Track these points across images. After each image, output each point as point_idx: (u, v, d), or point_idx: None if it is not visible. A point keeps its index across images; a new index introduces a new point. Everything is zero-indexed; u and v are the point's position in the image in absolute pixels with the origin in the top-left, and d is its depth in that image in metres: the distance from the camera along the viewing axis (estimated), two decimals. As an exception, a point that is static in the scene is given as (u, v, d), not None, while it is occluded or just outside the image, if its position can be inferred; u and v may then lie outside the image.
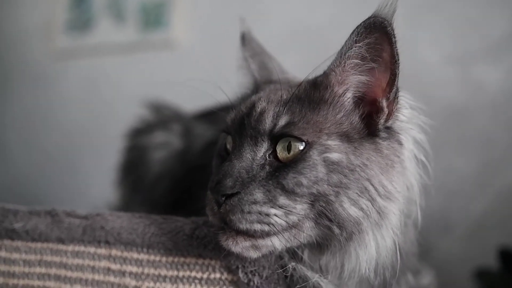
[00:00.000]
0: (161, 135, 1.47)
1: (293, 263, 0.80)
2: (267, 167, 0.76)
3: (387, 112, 0.78)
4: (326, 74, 0.80)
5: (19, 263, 0.89)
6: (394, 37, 0.72)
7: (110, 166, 1.56)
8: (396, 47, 0.73)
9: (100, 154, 1.71)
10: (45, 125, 2.65)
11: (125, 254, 0.86)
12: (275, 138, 0.77)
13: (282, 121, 0.77)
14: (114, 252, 0.87)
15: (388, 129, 0.79)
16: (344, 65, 0.78)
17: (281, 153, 0.76)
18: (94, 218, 0.90)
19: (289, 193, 0.72)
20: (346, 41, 0.76)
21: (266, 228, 0.72)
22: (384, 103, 0.78)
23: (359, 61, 0.76)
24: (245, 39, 0.99)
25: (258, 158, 0.77)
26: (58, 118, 2.63)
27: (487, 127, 1.81)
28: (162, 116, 1.55)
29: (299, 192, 0.72)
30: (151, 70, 2.35)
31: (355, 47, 0.75)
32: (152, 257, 0.85)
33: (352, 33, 0.75)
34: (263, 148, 0.77)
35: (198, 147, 1.40)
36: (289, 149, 0.75)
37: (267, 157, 0.77)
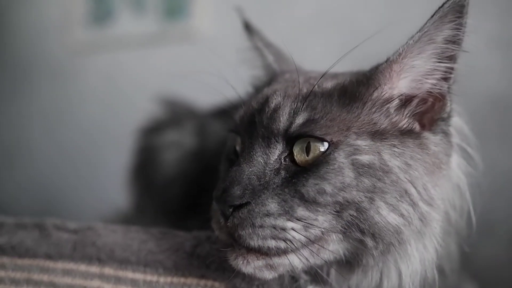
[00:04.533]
0: (173, 134, 1.40)
1: (311, 287, 0.71)
2: (283, 173, 0.67)
3: (449, 100, 0.71)
4: (389, 62, 0.70)
5: (5, 282, 0.83)
6: (467, 17, 0.66)
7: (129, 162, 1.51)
8: (465, 28, 0.67)
9: (119, 150, 1.68)
10: (63, 121, 2.64)
11: (119, 273, 0.79)
12: (291, 138, 0.67)
13: (300, 119, 0.67)
14: (107, 270, 0.79)
15: (443, 121, 0.71)
16: (420, 50, 0.69)
17: (298, 155, 0.67)
18: (85, 232, 0.84)
19: (310, 203, 0.63)
20: (427, 22, 0.67)
21: (282, 244, 0.63)
22: (447, 90, 0.71)
23: (441, 45, 0.68)
24: (251, 28, 0.90)
25: (272, 162, 0.68)
26: (76, 114, 2.61)
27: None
28: (174, 114, 1.48)
29: (321, 201, 0.63)
30: (172, 63, 2.29)
31: (440, 27, 0.67)
32: (148, 277, 0.78)
33: (436, 14, 0.66)
34: (277, 150, 0.68)
35: (213, 146, 1.33)
36: (308, 150, 0.66)
37: (282, 161, 0.68)
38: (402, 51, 0.68)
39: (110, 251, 0.80)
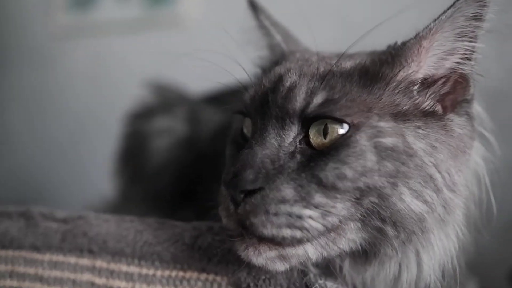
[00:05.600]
0: (164, 120, 1.36)
1: (321, 281, 0.66)
2: (298, 156, 0.62)
3: (471, 84, 0.67)
4: (419, 38, 0.66)
5: (-14, 275, 0.78)
6: None
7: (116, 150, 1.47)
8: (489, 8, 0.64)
9: (106, 137, 1.65)
10: (48, 107, 2.57)
11: (112, 266, 0.75)
12: (308, 120, 0.63)
13: (318, 99, 0.63)
14: (99, 263, 0.75)
15: (467, 103, 0.68)
16: (452, 27, 0.65)
17: (315, 138, 0.62)
18: (76, 222, 0.79)
19: (328, 188, 0.59)
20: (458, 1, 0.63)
21: (297, 233, 0.59)
22: (470, 69, 0.67)
23: (473, 23, 0.65)
24: (256, 6, 0.85)
25: (286, 145, 0.63)
26: (62, 100, 2.54)
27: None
28: (165, 99, 1.43)
29: (341, 187, 0.59)
30: (161, 47, 2.20)
31: (473, 4, 0.63)
32: (144, 270, 0.73)
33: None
34: (293, 132, 0.64)
35: (206, 133, 1.29)
36: (325, 133, 0.62)
37: (298, 144, 0.63)
38: (433, 26, 0.64)
39: (103, 242, 0.75)
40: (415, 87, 0.66)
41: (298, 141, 0.63)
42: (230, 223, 0.63)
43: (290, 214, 0.58)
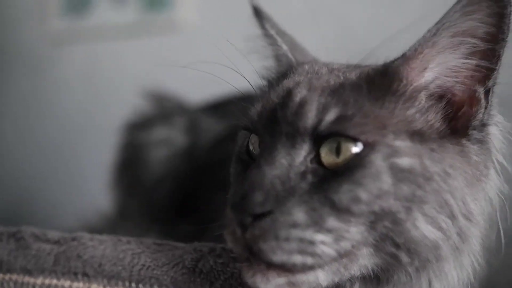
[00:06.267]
0: (162, 131, 1.34)
1: None
2: (310, 177, 0.59)
3: (484, 105, 0.63)
4: (406, 59, 0.63)
5: (-27, 300, 0.75)
6: (511, 6, 0.59)
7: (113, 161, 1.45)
8: (509, 20, 0.59)
9: (101, 148, 1.63)
10: (42, 113, 2.54)
11: None
12: (320, 138, 0.60)
13: (331, 115, 0.60)
14: (94, 287, 0.71)
15: (484, 127, 0.64)
16: (438, 46, 0.62)
17: (327, 157, 0.59)
18: (69, 243, 0.75)
19: (342, 212, 0.56)
20: (447, 14, 0.61)
21: (309, 260, 0.55)
22: (482, 93, 0.63)
23: (464, 39, 0.62)
24: (261, 14, 0.82)
25: (297, 164, 0.60)
26: (57, 106, 2.51)
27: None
28: (163, 109, 1.41)
29: (355, 210, 0.55)
30: (155, 54, 2.20)
31: (462, 21, 0.61)
32: None
33: (458, 2, 0.60)
34: (304, 151, 0.60)
35: (205, 143, 1.28)
36: (338, 151, 0.58)
37: (309, 163, 0.60)
38: (418, 45, 0.63)
39: (98, 265, 0.72)
40: (422, 103, 0.63)
41: (309, 160, 0.60)
42: (236, 248, 0.60)
43: (301, 240, 0.55)
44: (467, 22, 0.60)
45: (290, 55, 0.78)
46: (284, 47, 0.79)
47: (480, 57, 0.62)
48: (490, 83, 0.62)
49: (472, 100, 0.63)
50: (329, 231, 0.55)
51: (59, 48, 2.49)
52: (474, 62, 0.62)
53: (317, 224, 0.55)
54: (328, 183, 0.57)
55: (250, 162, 0.66)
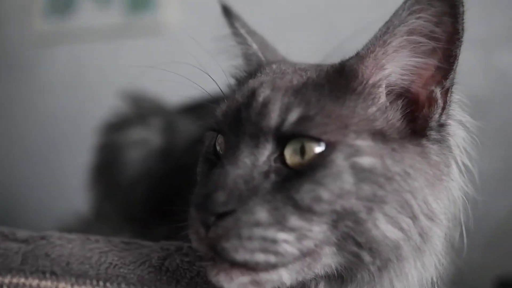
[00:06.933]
0: (139, 131, 1.34)
1: None
2: (273, 176, 0.59)
3: (441, 106, 0.64)
4: (360, 57, 0.65)
5: None
6: (463, 6, 0.60)
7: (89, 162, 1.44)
8: (463, 19, 0.60)
9: (79, 148, 1.63)
10: (24, 115, 2.53)
11: None
12: (283, 138, 0.60)
13: (294, 116, 0.60)
14: (62, 286, 0.71)
15: (442, 127, 0.65)
16: (389, 45, 0.63)
17: (291, 157, 0.59)
18: (38, 242, 0.75)
19: (304, 211, 0.56)
20: (396, 12, 0.62)
21: (272, 258, 0.56)
22: (438, 93, 0.64)
23: (414, 38, 0.63)
24: (231, 13, 0.82)
25: (260, 164, 0.60)
26: (39, 108, 2.50)
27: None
28: (140, 110, 1.41)
29: (317, 209, 0.56)
30: (140, 56, 2.20)
31: (411, 19, 0.61)
32: None
33: (406, 1, 0.61)
34: (267, 151, 0.60)
35: (182, 144, 1.27)
36: (302, 152, 0.59)
37: (272, 163, 0.60)
38: (371, 44, 0.64)
39: (66, 264, 0.72)
40: (382, 100, 0.64)
41: (272, 159, 0.60)
42: (200, 247, 0.60)
43: (264, 238, 0.55)
44: (414, 21, 0.61)
45: (260, 54, 0.79)
46: (254, 46, 0.79)
47: (435, 57, 0.63)
48: (447, 84, 0.63)
49: (430, 100, 0.64)
50: (291, 230, 0.55)
51: (42, 50, 2.48)
52: (428, 61, 0.63)
53: (280, 223, 0.55)
54: (291, 182, 0.57)
55: (217, 162, 0.66)
